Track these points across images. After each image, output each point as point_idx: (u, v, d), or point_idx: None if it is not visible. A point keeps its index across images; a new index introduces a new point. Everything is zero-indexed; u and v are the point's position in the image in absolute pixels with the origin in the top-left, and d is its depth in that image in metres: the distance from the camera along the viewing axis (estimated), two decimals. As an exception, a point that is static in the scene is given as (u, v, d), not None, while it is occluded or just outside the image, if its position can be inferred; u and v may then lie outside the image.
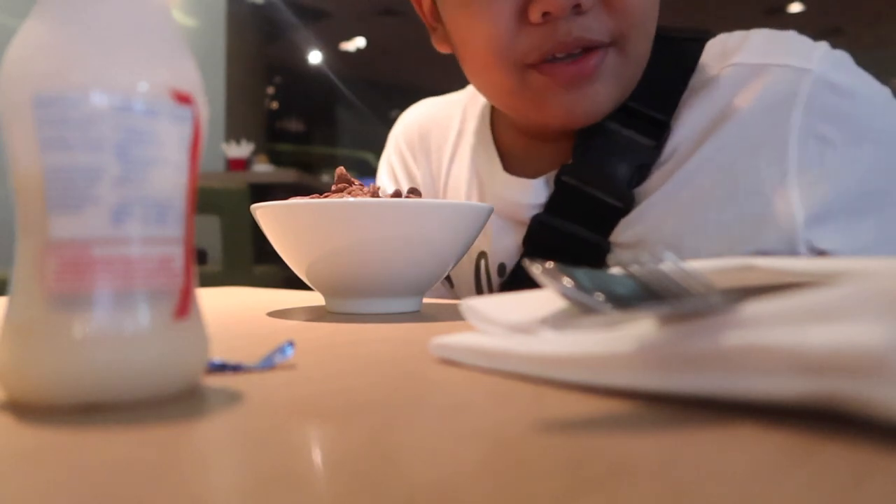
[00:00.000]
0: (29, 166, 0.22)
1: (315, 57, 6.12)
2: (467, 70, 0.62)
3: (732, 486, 0.16)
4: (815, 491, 0.16)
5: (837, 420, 0.20)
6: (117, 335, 0.22)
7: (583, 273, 0.24)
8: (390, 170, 0.80)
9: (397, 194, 0.54)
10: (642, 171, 0.60)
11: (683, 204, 0.58)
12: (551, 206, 0.62)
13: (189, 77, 0.24)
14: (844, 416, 0.19)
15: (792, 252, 0.55)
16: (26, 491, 0.16)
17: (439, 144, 0.75)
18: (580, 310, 0.23)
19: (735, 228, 0.56)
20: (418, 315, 0.51)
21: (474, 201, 0.63)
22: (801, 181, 0.55)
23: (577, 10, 0.52)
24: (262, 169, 3.24)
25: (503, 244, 0.66)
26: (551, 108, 0.57)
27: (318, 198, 0.52)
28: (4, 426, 0.21)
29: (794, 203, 0.55)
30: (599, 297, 0.23)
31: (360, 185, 0.55)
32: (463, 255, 0.54)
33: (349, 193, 0.54)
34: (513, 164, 0.68)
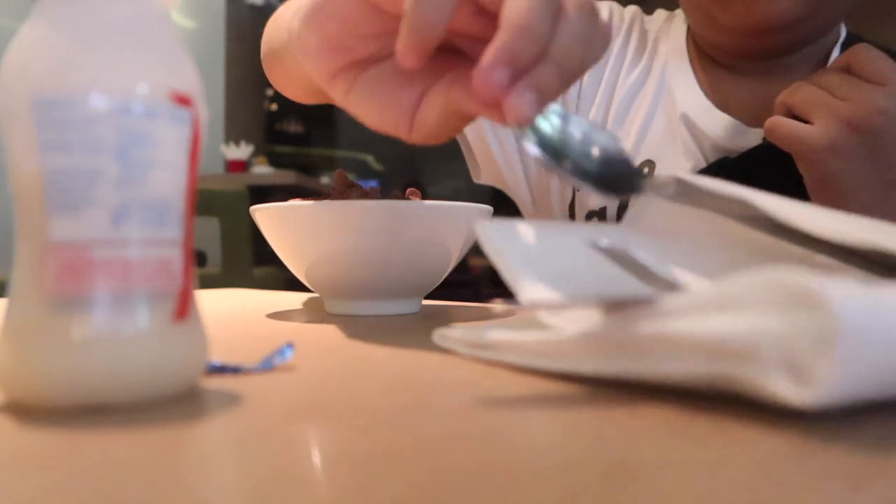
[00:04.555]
0: (28, 168, 0.22)
1: (314, 59, 6.11)
2: None
3: (732, 486, 0.16)
4: (814, 493, 0.16)
5: (837, 423, 0.20)
6: (116, 337, 0.22)
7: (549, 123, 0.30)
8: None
9: (396, 196, 0.54)
10: None
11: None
12: (744, 160, 0.62)
13: (188, 79, 0.25)
14: (841, 416, 0.19)
15: None
16: (26, 492, 0.16)
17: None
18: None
19: None
20: (417, 317, 0.51)
21: (658, 115, 0.67)
22: None
23: None
24: (262, 171, 3.24)
25: (668, 166, 0.66)
26: (735, 4, 0.60)
27: (318, 200, 0.52)
28: (4, 428, 0.21)
29: None
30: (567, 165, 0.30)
31: (360, 186, 0.55)
32: (462, 255, 0.54)
33: (348, 195, 0.54)
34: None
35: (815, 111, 0.52)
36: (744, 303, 0.21)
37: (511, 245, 0.30)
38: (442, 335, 0.34)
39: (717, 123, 0.64)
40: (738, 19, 0.61)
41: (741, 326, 0.20)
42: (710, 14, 0.63)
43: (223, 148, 3.26)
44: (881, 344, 0.19)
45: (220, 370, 0.28)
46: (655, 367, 0.23)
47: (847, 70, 0.52)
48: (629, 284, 0.27)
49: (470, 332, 0.33)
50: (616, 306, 0.25)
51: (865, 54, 0.52)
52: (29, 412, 0.22)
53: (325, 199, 0.52)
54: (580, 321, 0.27)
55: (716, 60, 0.69)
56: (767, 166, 0.61)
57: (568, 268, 0.29)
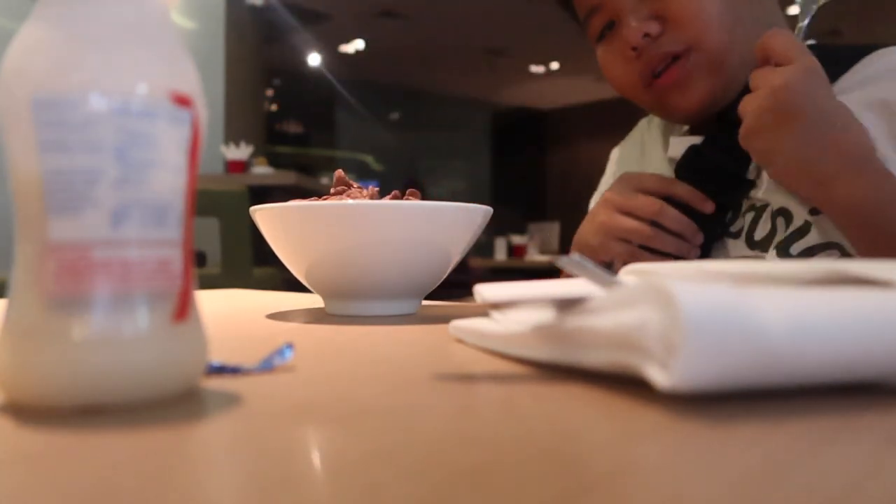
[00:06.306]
0: (28, 168, 0.22)
1: (314, 59, 6.12)
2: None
3: (732, 486, 0.16)
4: (814, 492, 0.16)
5: (836, 422, 0.20)
6: (116, 337, 0.22)
7: None
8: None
9: (396, 196, 0.54)
10: None
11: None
12: (708, 138, 0.73)
13: (188, 79, 0.25)
14: (839, 416, 0.19)
15: None
16: (25, 493, 0.16)
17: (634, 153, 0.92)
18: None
19: None
20: (417, 317, 0.51)
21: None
22: None
23: (649, 37, 0.69)
24: (261, 171, 3.23)
25: None
26: (669, 105, 0.74)
27: (317, 200, 0.52)
28: (3, 428, 0.21)
29: None
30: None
31: (359, 187, 0.55)
32: (462, 255, 0.54)
33: (348, 196, 0.54)
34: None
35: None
36: (634, 302, 0.24)
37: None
38: (454, 326, 0.38)
39: (677, 144, 0.76)
40: (674, 113, 0.75)
41: (630, 322, 0.23)
42: (656, 111, 0.79)
43: (223, 148, 3.25)
44: (728, 337, 0.21)
45: (220, 370, 0.28)
46: (581, 356, 0.26)
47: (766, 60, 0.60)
48: (579, 287, 0.29)
49: (473, 323, 0.36)
50: (562, 303, 0.28)
51: (770, 41, 0.59)
52: (29, 412, 0.22)
53: (324, 198, 0.52)
54: (538, 316, 0.30)
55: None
56: (726, 137, 0.69)
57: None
